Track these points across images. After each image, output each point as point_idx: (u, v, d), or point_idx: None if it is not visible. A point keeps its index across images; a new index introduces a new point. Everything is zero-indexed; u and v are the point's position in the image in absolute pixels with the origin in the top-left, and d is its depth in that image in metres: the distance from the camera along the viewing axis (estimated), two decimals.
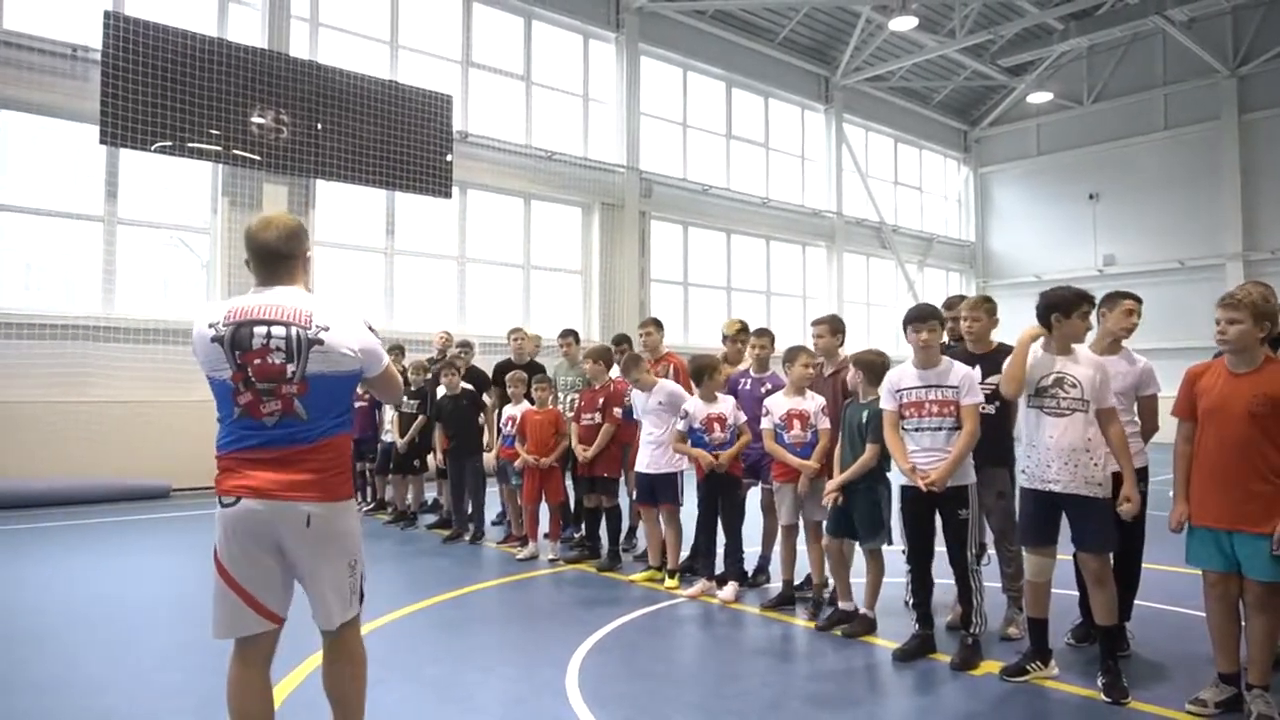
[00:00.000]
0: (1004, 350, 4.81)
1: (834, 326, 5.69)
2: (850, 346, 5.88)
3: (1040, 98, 22.17)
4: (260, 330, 2.59)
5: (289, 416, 2.60)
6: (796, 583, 5.55)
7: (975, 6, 18.83)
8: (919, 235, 23.40)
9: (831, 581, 5.20)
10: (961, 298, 5.41)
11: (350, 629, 2.78)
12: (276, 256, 2.72)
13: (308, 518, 2.58)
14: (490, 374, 8.49)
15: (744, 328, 6.73)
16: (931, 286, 23.75)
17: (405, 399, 8.73)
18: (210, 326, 2.62)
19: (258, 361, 2.58)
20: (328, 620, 2.71)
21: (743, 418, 5.71)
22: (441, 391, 8.01)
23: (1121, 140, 21.92)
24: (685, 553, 6.21)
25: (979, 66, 21.45)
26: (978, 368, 4.64)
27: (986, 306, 4.92)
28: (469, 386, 7.87)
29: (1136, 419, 4.36)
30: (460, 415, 7.72)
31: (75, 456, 10.21)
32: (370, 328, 2.77)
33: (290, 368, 2.59)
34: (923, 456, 4.36)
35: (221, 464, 2.64)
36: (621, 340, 7.60)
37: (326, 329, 2.63)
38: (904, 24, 16.85)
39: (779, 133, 20.11)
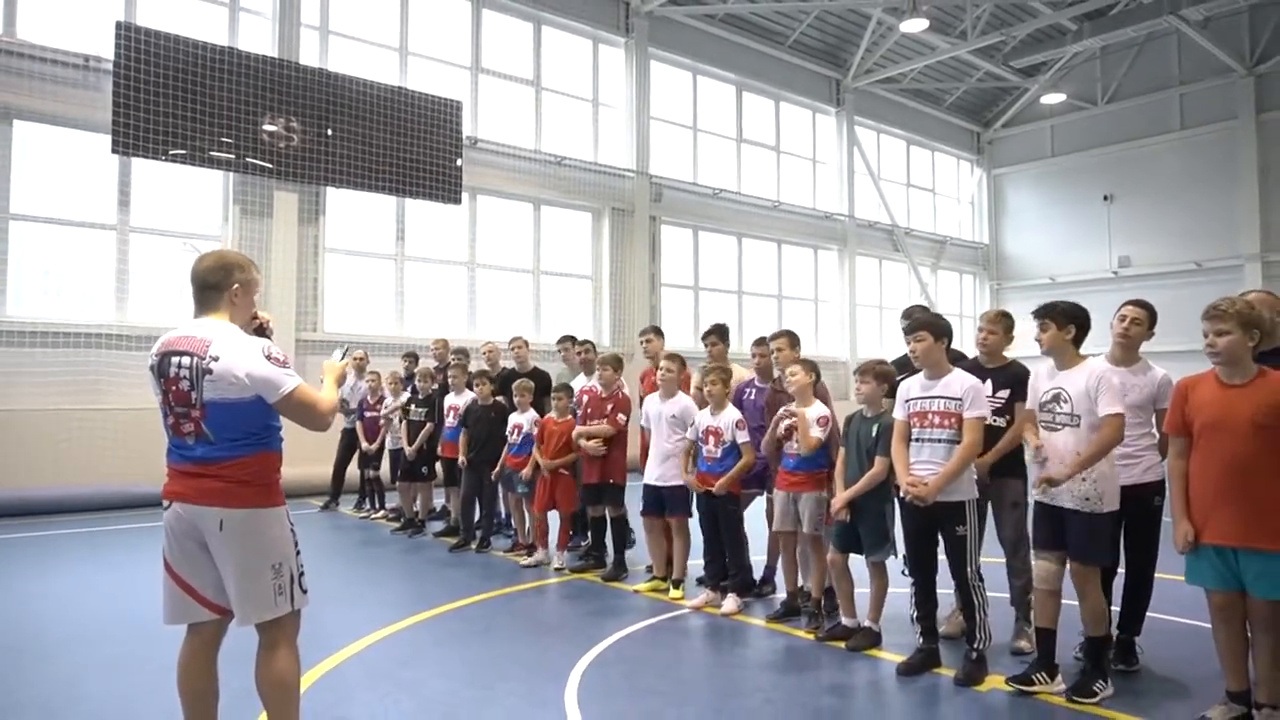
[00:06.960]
0: (1016, 365, 4.77)
1: (793, 340, 5.72)
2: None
3: (1054, 99, 21.98)
4: (174, 360, 2.88)
5: (200, 437, 2.87)
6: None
7: (987, 7, 18.70)
8: (932, 238, 23.26)
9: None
10: (921, 307, 5.39)
11: (278, 629, 2.94)
12: (204, 287, 2.99)
13: (220, 521, 2.84)
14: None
15: (711, 330, 6.63)
16: (945, 289, 23.62)
17: (414, 406, 8.79)
18: (151, 355, 2.96)
19: (173, 389, 2.88)
20: (242, 616, 2.90)
21: (743, 436, 5.62)
22: (466, 399, 8.03)
23: (1136, 141, 21.70)
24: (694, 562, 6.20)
25: (991, 68, 21.31)
26: (989, 381, 4.60)
27: (1004, 322, 4.87)
28: (499, 398, 7.89)
29: (1154, 431, 4.30)
30: (488, 424, 7.74)
31: (88, 464, 10.28)
32: (271, 356, 2.88)
33: (193, 394, 2.85)
34: (921, 469, 4.32)
35: (166, 473, 2.97)
36: (566, 340, 8.04)
37: (216, 359, 2.83)
38: (915, 26, 16.73)
39: (790, 136, 20.04)
